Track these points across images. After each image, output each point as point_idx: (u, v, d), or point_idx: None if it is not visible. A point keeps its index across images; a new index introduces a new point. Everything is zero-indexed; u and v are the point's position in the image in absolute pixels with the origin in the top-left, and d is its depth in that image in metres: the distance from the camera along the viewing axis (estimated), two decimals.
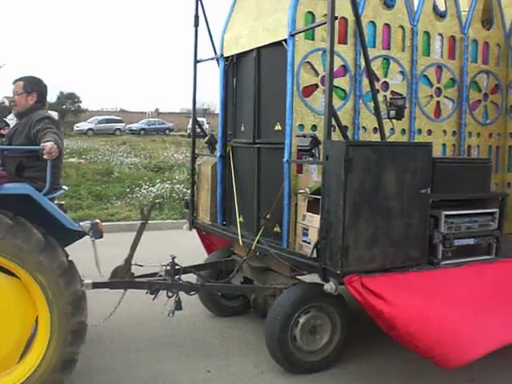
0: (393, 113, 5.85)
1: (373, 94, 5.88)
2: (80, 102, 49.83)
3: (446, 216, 5.95)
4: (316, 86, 6.30)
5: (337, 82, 6.41)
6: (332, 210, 5.41)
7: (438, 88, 7.08)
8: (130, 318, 7.39)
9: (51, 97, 47.81)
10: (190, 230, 8.25)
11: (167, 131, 48.15)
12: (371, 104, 6.35)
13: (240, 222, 7.14)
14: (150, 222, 6.56)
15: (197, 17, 7.98)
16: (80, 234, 5.66)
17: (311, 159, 5.88)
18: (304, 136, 5.86)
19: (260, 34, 6.70)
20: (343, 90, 6.46)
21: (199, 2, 7.95)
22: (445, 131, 7.16)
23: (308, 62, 6.23)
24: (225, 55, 7.45)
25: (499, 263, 6.29)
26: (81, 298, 5.05)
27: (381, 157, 5.43)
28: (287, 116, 6.12)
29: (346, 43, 6.44)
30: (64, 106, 47.69)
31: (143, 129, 45.04)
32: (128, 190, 17.51)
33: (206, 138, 7.95)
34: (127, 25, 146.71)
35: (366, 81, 6.57)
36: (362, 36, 5.79)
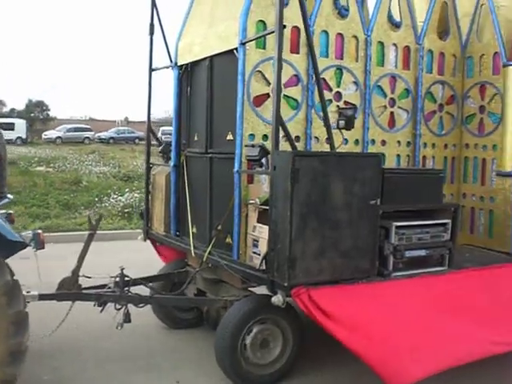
0: (342, 123, 5.79)
1: (322, 103, 5.82)
2: (49, 110, 49.65)
3: (397, 227, 5.89)
4: (267, 95, 6.22)
5: (289, 91, 6.36)
6: (279, 221, 5.31)
7: (392, 98, 7.05)
8: (91, 331, 7.22)
9: (19, 105, 47.37)
10: (145, 240, 8.11)
11: (137, 140, 47.77)
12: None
13: (193, 232, 7.02)
14: (119, 231, 6.41)
15: (152, 25, 7.87)
16: (22, 245, 5.48)
17: (260, 169, 5.79)
18: (253, 146, 5.78)
19: (212, 42, 6.61)
20: (295, 100, 6.39)
21: (154, 10, 7.83)
22: (399, 142, 7.13)
23: (259, 71, 6.16)
24: (179, 63, 7.36)
25: (452, 275, 6.25)
26: (24, 318, 4.91)
27: (328, 167, 5.35)
28: (237, 126, 6.03)
29: (298, 53, 6.38)
30: (32, 114, 47.15)
31: (112, 137, 44.62)
32: (96, 199, 17.34)
33: (160, 148, 7.82)
34: (97, 32, 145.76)
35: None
36: (310, 45, 5.74)
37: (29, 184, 18.83)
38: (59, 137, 40.89)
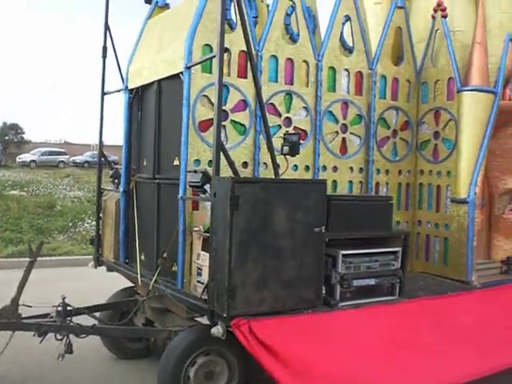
0: (286, 149, 5.67)
1: (265, 129, 5.70)
2: (23, 133, 48.76)
3: (344, 255, 5.75)
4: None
5: (236, 116, 6.25)
6: (219, 249, 5.16)
7: (344, 124, 6.96)
8: (38, 361, 6.98)
9: None
10: (96, 267, 7.89)
11: (113, 164, 47.26)
12: (273, 140, 6.16)
13: (141, 260, 6.83)
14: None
15: (105, 48, 7.75)
16: None
17: (203, 196, 5.64)
18: (195, 172, 5.63)
19: (160, 66, 6.50)
20: (243, 125, 6.27)
21: (108, 33, 7.72)
22: (351, 168, 7.02)
23: (205, 96, 6.04)
24: (129, 87, 7.22)
25: (402, 304, 6.11)
26: None
27: (270, 194, 5.21)
28: (182, 151, 5.89)
29: (246, 77, 6.27)
30: (7, 137, 46.46)
31: (87, 161, 43.94)
32: (71, 224, 17.18)
33: (111, 173, 7.65)
34: (72, 56, 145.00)
35: (267, 116, 6.39)
36: (253, 70, 5.63)
37: (2, 208, 18.55)
38: (33, 160, 40.32)
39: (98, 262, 7.84)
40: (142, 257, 6.87)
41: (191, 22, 6.01)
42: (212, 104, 6.08)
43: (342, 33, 7.25)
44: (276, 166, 5.72)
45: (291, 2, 6.62)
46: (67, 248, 14.61)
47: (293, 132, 6.14)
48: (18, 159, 41.10)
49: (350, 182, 7.02)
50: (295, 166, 6.57)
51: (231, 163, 5.45)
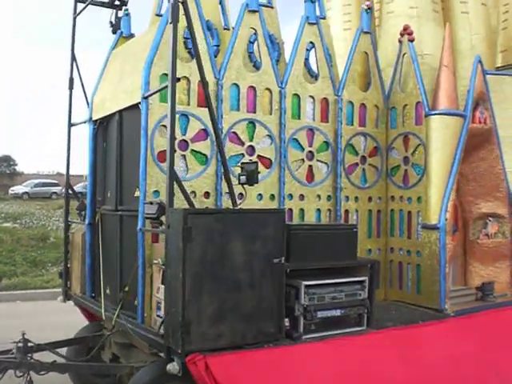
0: (243, 178, 5.55)
1: (222, 158, 5.61)
2: (16, 164, 48.53)
3: (307, 286, 5.59)
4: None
5: (197, 146, 6.15)
6: (173, 282, 5.01)
7: (310, 151, 6.85)
8: None
9: None
10: (65, 302, 7.73)
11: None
12: (236, 169, 6.07)
13: (106, 294, 6.68)
14: None
15: (71, 80, 7.69)
16: None
17: (159, 228, 5.51)
18: (151, 203, 5.50)
19: (121, 97, 6.42)
20: (204, 155, 6.16)
21: (74, 64, 7.67)
22: (319, 196, 6.89)
23: (164, 126, 5.93)
24: (94, 118, 7.14)
25: (370, 335, 5.93)
26: None
27: (225, 225, 5.08)
28: (141, 182, 5.78)
29: (206, 106, 6.16)
30: None
31: (80, 192, 43.84)
32: None
33: (77, 205, 7.53)
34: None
35: (229, 145, 6.31)
36: (207, 98, 5.55)
37: None
38: (26, 192, 40.01)
39: (67, 296, 7.69)
40: (108, 291, 6.72)
41: (149, 51, 5.94)
42: None
43: (307, 59, 7.19)
44: (233, 196, 5.59)
45: (253, 30, 6.55)
46: (61, 281, 14.41)
47: (250, 161, 6.01)
48: (10, 191, 40.90)
49: (318, 210, 6.89)
50: (260, 195, 6.45)
51: (185, 194, 5.34)
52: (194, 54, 5.53)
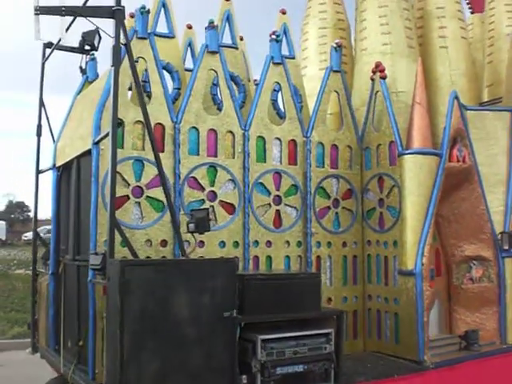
0: (192, 226, 5.27)
1: (169, 204, 5.34)
2: (29, 211, 47.79)
3: (264, 340, 5.22)
4: (127, 197, 5.75)
5: (152, 192, 5.89)
6: (111, 338, 4.71)
7: (277, 196, 6.55)
8: None
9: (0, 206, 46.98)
10: (33, 354, 7.45)
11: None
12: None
13: (68, 347, 6.40)
14: None
15: (39, 126, 7.54)
16: None
17: (101, 280, 5.23)
18: (96, 253, 5.23)
19: (78, 143, 6.24)
20: (160, 201, 5.89)
21: (43, 111, 7.53)
22: (288, 242, 6.56)
23: (117, 172, 5.69)
24: (57, 165, 6.96)
25: None
26: None
27: (168, 277, 4.78)
28: (91, 231, 5.53)
29: (163, 151, 5.94)
30: (12, 216, 46.75)
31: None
32: None
33: (42, 254, 7.31)
34: None
35: (188, 190, 6.05)
36: (152, 142, 5.32)
37: (8, 288, 18.17)
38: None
39: (35, 348, 7.42)
40: (69, 343, 6.43)
41: (100, 96, 5.75)
42: (125, 180, 5.77)
43: (275, 101, 6.96)
44: (181, 245, 5.31)
45: (213, 71, 6.35)
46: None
47: (200, 208, 5.73)
48: (23, 237, 40.94)
49: (287, 256, 6.55)
50: (222, 242, 6.15)
51: (129, 244, 5.07)
52: (138, 96, 5.33)
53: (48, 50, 7.57)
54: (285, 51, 7.05)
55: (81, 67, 7.55)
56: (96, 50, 7.49)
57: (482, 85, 8.65)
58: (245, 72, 7.07)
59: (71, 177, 6.67)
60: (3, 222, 39.92)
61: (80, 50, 7.47)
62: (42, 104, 7.53)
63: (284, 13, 7.26)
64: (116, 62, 5.06)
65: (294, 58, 7.12)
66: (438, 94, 7.50)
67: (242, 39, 7.79)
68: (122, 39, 5.18)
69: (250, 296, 5.28)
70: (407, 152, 6.52)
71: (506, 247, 6.97)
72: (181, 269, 4.89)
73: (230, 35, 6.97)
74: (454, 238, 7.08)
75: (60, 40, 6.83)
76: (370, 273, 6.99)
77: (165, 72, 6.48)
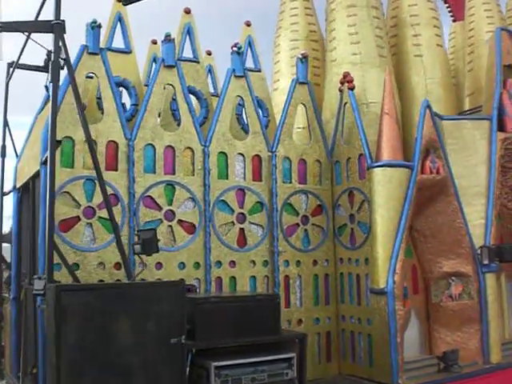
0: (138, 247, 5.01)
1: (113, 227, 5.08)
2: None
3: (218, 367, 4.94)
4: (78, 218, 5.51)
5: (106, 213, 5.62)
6: (48, 368, 4.44)
7: (241, 213, 6.28)
8: None
9: None
10: (0, 381, 7.20)
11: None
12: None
13: (32, 373, 6.12)
14: None
15: (4, 147, 7.35)
16: None
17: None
18: (39, 278, 4.98)
19: (32, 164, 6.03)
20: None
21: (7, 131, 7.35)
22: (253, 262, 6.29)
23: (67, 193, 5.48)
24: (17, 186, 6.75)
25: None
26: None
27: (109, 302, 4.51)
28: (39, 254, 5.29)
29: (116, 169, 5.72)
30: None
31: None
32: None
33: (5, 277, 7.08)
34: None
35: (144, 210, 5.81)
36: (94, 159, 5.07)
37: None
38: None
39: (1, 375, 7.17)
40: (28, 370, 6.17)
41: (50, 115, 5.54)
42: (75, 201, 5.54)
43: (240, 115, 6.73)
44: (127, 268, 5.05)
45: (171, 86, 6.13)
46: None
47: (147, 228, 5.46)
48: None
49: (253, 277, 6.27)
50: (182, 263, 5.89)
51: (69, 267, 4.83)
52: (78, 113, 5.10)
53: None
54: (250, 64, 6.82)
55: (46, 86, 7.34)
56: (62, 69, 7.31)
57: (464, 94, 8.36)
58: (207, 86, 6.83)
59: (29, 198, 6.46)
60: None
61: (45, 69, 7.29)
62: (6, 124, 7.34)
63: (249, 25, 7.06)
64: (54, 78, 4.84)
65: (259, 71, 6.90)
66: (414, 104, 7.24)
67: (209, 54, 7.58)
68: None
69: (202, 320, 5.02)
70: (376, 165, 6.25)
71: (486, 262, 6.62)
72: (122, 293, 4.62)
73: (191, 48, 6.74)
74: (431, 253, 6.75)
75: (19, 59, 6.65)
76: (342, 292, 6.69)
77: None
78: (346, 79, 6.70)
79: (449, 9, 9.68)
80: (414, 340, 6.73)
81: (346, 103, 6.76)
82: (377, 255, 6.14)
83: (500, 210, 7.52)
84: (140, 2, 5.86)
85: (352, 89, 6.66)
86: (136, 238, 5.16)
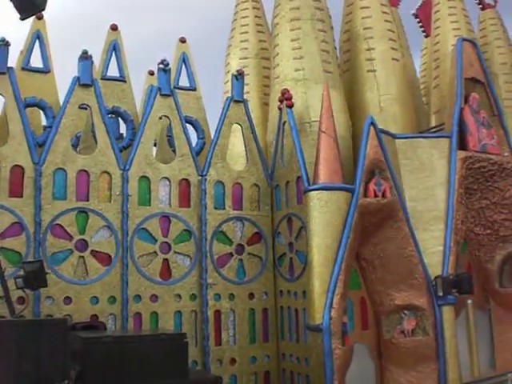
0: (20, 281, 4.54)
1: None
2: None
3: None
4: None
5: (8, 243, 5.22)
6: None
7: (165, 243, 5.79)
8: None
9: None
10: None
11: None
12: (59, 268, 5.12)
13: None
14: None
15: None
16: None
17: None
18: None
19: None
20: (18, 253, 5.22)
21: None
22: (179, 295, 5.77)
23: None
24: None
25: None
26: None
27: None
28: None
29: (21, 196, 5.29)
30: None
31: None
32: None
33: None
34: None
35: (52, 240, 5.36)
36: None
37: None
38: None
39: None
40: None
41: None
42: None
43: (171, 136, 6.27)
44: (9, 303, 4.58)
45: (86, 105, 5.72)
46: None
47: (32, 260, 4.99)
48: None
49: (179, 312, 5.74)
50: (95, 297, 5.41)
51: None
52: None
53: None
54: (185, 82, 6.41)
55: None
56: None
57: (430, 111, 7.80)
58: (134, 107, 6.39)
59: None
60: None
61: None
62: None
63: (183, 41, 6.64)
64: None
65: (194, 90, 6.44)
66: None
67: (152, 74, 7.18)
68: None
69: (92, 363, 4.48)
70: (311, 188, 5.70)
71: (441, 293, 5.99)
72: None
73: (118, 67, 6.33)
74: (381, 284, 6.13)
75: None
76: (282, 328, 6.11)
77: None
78: (285, 96, 6.21)
79: (420, 23, 9.16)
80: (365, 380, 6.07)
81: (285, 122, 6.25)
82: (312, 288, 5.54)
83: (466, 235, 6.91)
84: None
85: (290, 106, 6.16)
86: (21, 271, 4.68)
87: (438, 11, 8.26)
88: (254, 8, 7.77)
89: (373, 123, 6.01)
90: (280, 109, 6.32)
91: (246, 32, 7.70)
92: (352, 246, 5.72)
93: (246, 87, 7.31)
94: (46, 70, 6.11)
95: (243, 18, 7.80)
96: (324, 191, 5.66)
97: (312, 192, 5.68)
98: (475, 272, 7.04)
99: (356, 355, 5.97)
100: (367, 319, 6.21)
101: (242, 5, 7.89)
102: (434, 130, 7.36)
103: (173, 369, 4.73)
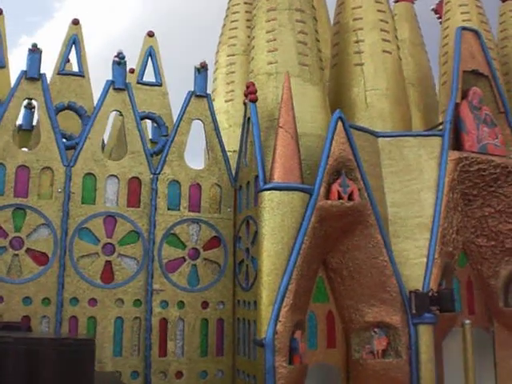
0: None
1: None
2: None
3: None
4: None
5: None
6: None
7: (109, 244, 5.45)
8: None
9: None
10: None
11: None
12: None
13: None
14: None
15: None
16: None
17: None
18: None
19: None
20: None
21: None
22: (121, 300, 5.40)
23: None
24: None
25: None
26: None
27: None
28: None
29: None
30: None
31: None
32: None
33: None
34: None
35: None
36: None
37: None
38: None
39: None
40: None
41: None
42: None
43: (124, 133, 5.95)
44: None
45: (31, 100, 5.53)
46: None
47: None
48: None
49: (120, 318, 5.37)
50: (27, 298, 5.14)
51: None
52: None
53: None
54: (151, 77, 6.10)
55: None
56: None
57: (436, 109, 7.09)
58: (92, 103, 6.12)
59: None
60: None
61: None
62: None
63: (151, 35, 6.33)
64: None
65: (160, 85, 6.11)
66: (352, 120, 6.09)
67: (132, 72, 6.92)
68: None
69: None
70: (263, 188, 5.19)
71: (414, 311, 5.29)
72: None
73: (77, 62, 6.12)
74: (350, 297, 5.50)
75: None
76: (239, 341, 5.59)
77: None
78: (249, 90, 5.74)
79: (440, 19, 8.37)
80: None
81: (249, 118, 5.78)
82: (261, 299, 5.01)
83: (467, 247, 6.18)
84: None
85: (254, 101, 5.68)
86: None
87: (448, 2, 7.52)
88: (245, 3, 7.36)
89: (341, 118, 5.42)
90: (245, 104, 5.86)
91: (235, 28, 7.31)
92: (310, 253, 5.14)
93: (231, 84, 6.98)
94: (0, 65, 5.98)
95: (233, 13, 7.42)
96: (276, 191, 5.12)
97: (264, 192, 5.17)
98: (477, 288, 6.26)
99: (319, 377, 5.37)
100: (334, 336, 5.57)
101: (234, 0, 7.51)
102: (433, 129, 6.63)
103: (73, 381, 4.31)
